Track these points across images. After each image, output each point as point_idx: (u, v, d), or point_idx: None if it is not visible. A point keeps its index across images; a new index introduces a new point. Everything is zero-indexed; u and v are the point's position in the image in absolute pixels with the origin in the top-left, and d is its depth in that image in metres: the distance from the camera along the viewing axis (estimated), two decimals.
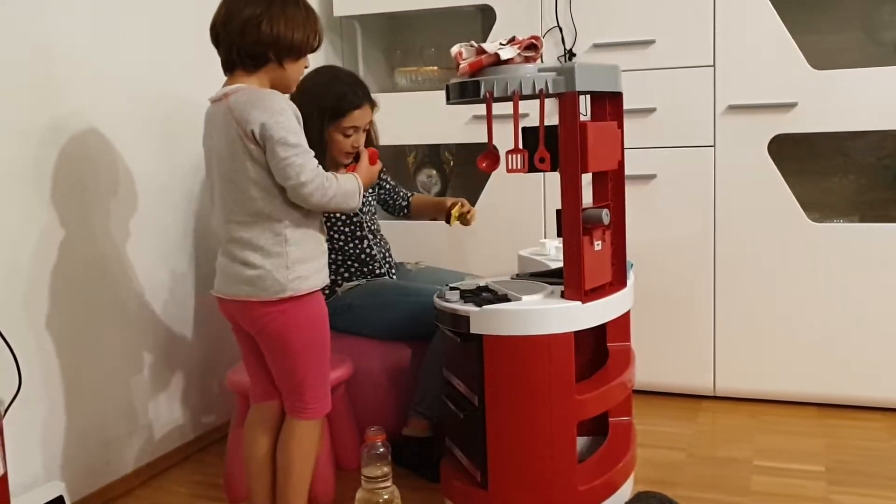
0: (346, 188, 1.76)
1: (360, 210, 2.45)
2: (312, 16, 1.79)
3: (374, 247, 2.53)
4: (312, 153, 1.71)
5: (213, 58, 1.71)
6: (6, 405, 1.89)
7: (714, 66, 2.69)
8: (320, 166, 1.72)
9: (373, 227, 2.57)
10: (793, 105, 2.62)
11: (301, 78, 1.85)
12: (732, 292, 2.78)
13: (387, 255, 2.60)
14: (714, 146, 2.73)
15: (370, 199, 2.62)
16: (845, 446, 2.43)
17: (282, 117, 1.67)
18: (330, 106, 2.29)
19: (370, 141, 2.46)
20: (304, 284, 1.76)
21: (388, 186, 2.75)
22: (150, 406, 2.43)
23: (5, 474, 1.64)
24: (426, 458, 2.29)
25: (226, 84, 1.77)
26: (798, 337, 2.72)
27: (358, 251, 2.48)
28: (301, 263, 1.76)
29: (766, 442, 2.49)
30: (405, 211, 2.77)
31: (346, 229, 2.47)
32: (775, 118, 2.65)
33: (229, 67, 1.77)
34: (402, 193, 2.77)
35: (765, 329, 2.75)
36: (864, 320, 2.65)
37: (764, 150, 2.68)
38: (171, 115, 2.46)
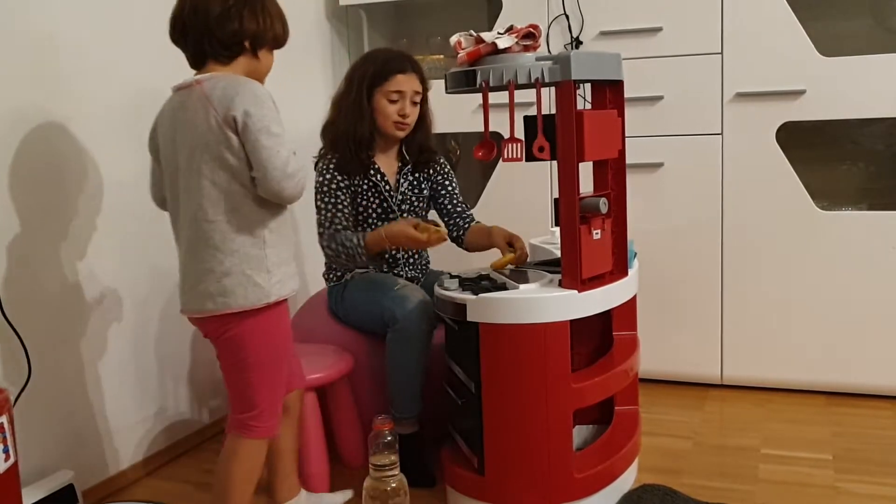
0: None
1: (399, 211, 2.41)
2: (280, 9, 1.74)
3: (401, 249, 2.44)
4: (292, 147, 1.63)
5: None
6: (16, 394, 1.92)
7: (722, 53, 2.68)
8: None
9: None
10: (801, 92, 2.60)
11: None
12: (740, 281, 2.76)
13: (412, 258, 2.49)
14: (722, 134, 2.72)
15: (415, 201, 2.47)
16: (853, 434, 2.42)
17: (265, 106, 1.58)
18: (375, 69, 2.31)
19: (424, 127, 2.43)
20: (285, 289, 1.69)
21: (444, 193, 2.50)
22: (160, 395, 2.46)
23: (16, 463, 1.66)
24: (408, 455, 2.22)
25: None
26: (805, 325, 2.71)
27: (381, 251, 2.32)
28: (278, 267, 1.68)
29: (773, 430, 2.48)
30: (459, 242, 2.50)
31: (378, 223, 2.38)
32: (783, 105, 2.63)
33: (199, 60, 1.67)
34: (460, 210, 2.50)
35: (772, 317, 2.74)
36: (871, 308, 2.63)
37: (772, 138, 2.66)
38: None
